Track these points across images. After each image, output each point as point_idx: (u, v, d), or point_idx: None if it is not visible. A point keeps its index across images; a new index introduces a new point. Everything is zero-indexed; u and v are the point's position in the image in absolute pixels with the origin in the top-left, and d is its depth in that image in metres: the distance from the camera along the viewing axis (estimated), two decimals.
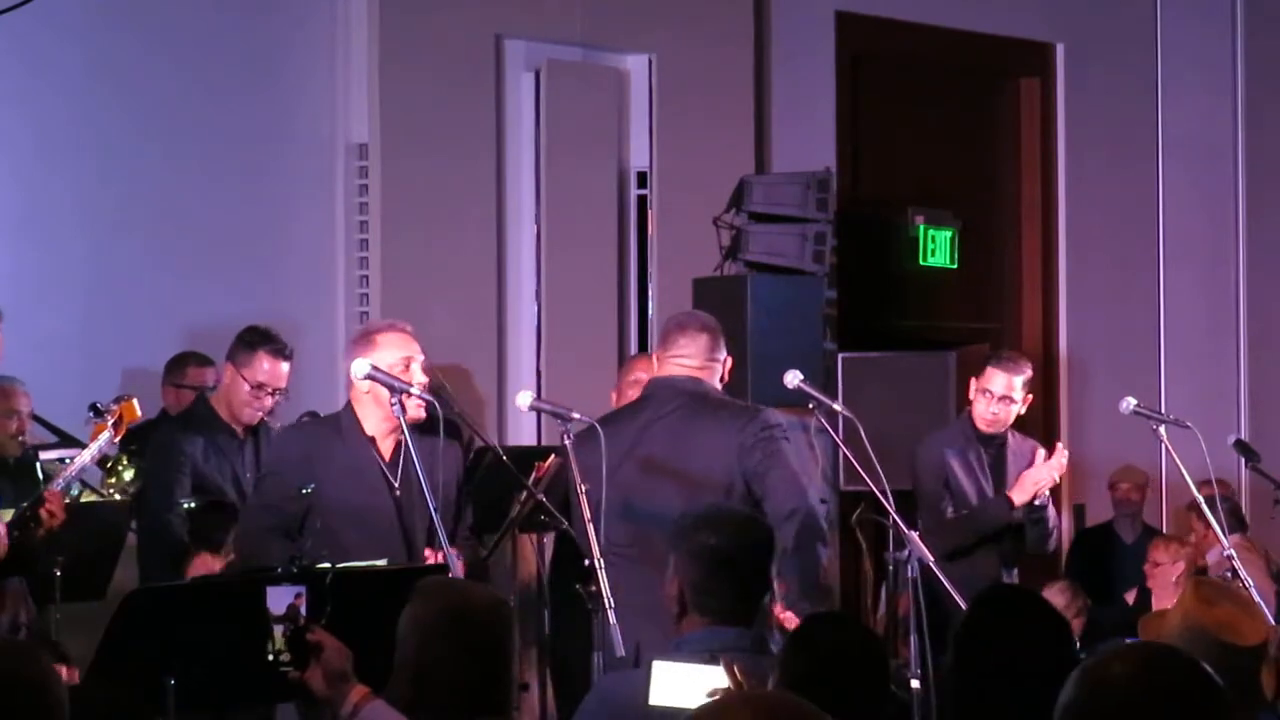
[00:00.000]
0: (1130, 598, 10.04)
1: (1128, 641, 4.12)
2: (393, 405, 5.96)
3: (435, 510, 5.79)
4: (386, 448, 6.31)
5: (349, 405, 6.41)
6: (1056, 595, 9.26)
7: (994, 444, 7.60)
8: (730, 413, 6.39)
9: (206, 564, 6.93)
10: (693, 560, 4.67)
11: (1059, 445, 7.65)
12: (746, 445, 6.28)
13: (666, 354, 6.50)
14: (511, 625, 4.30)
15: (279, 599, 4.42)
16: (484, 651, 4.19)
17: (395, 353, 6.27)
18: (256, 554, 6.15)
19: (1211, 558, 9.61)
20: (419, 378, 6.23)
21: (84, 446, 6.74)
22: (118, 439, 6.69)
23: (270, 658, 4.39)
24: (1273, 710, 4.09)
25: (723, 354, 6.54)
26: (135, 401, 6.78)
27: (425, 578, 4.64)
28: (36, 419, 7.32)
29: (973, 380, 7.76)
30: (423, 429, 6.11)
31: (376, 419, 6.31)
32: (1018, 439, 7.71)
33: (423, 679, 4.16)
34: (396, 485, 6.23)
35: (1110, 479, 10.95)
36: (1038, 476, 7.48)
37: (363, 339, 6.39)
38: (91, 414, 6.68)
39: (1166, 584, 9.35)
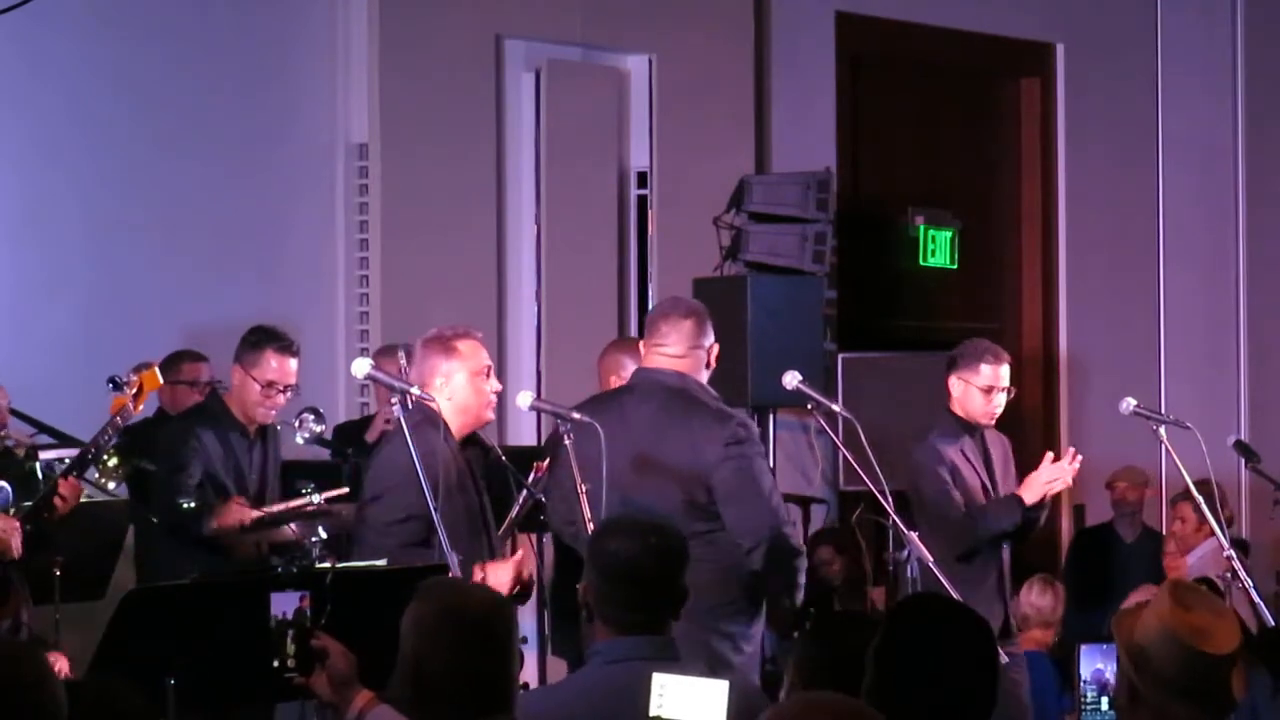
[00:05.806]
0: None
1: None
2: (393, 404, 5.94)
3: (487, 509, 6.07)
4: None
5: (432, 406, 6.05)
6: (1043, 593, 9.23)
7: (978, 433, 7.59)
8: (702, 421, 6.30)
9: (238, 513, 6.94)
10: (596, 567, 4.60)
11: (1070, 450, 7.55)
12: (715, 460, 6.24)
13: (650, 342, 6.45)
14: (513, 625, 4.30)
15: (284, 604, 4.39)
16: (485, 651, 4.18)
17: (479, 360, 6.17)
18: None
19: (1192, 558, 9.61)
20: (495, 385, 6.20)
21: (71, 443, 6.69)
22: (138, 409, 6.64)
23: (277, 664, 4.37)
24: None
25: (708, 340, 6.45)
26: (157, 370, 6.72)
27: (426, 578, 4.64)
28: (15, 413, 7.27)
29: (958, 378, 7.53)
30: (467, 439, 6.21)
31: (457, 424, 6.15)
32: (991, 431, 7.69)
33: (423, 679, 4.16)
34: (476, 488, 6.21)
35: (1108, 479, 10.94)
36: (1049, 478, 7.41)
37: (439, 343, 6.18)
38: (110, 387, 6.61)
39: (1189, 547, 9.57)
